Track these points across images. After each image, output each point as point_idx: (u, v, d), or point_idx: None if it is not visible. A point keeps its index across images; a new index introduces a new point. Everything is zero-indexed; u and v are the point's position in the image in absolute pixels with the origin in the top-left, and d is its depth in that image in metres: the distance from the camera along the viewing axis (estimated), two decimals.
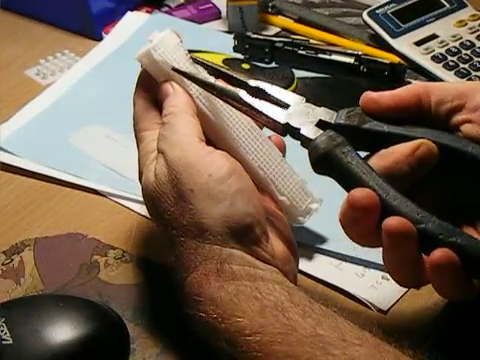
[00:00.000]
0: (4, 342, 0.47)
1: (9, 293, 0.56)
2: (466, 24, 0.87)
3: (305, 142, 0.49)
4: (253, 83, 0.52)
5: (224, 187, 0.47)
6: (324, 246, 0.60)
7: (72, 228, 0.62)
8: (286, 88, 0.76)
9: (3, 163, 0.69)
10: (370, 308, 0.55)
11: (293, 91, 0.76)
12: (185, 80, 0.52)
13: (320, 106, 0.51)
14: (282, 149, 0.56)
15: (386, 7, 0.87)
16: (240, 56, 0.84)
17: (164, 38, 0.53)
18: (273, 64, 0.83)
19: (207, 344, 0.46)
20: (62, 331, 0.48)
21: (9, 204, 0.65)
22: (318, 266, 0.59)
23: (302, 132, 0.49)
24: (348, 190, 0.47)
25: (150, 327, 0.54)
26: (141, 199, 0.62)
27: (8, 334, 0.47)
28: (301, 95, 0.76)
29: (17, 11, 0.93)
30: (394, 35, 0.85)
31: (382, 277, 0.58)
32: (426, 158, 0.47)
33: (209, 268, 0.46)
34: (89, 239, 0.61)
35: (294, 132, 0.50)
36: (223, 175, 0.47)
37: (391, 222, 0.44)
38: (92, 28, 0.88)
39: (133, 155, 0.54)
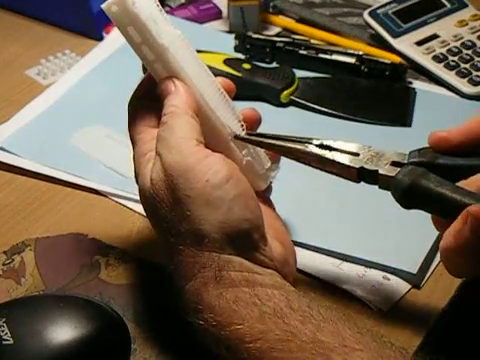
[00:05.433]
0: (5, 342, 0.47)
1: (10, 293, 0.56)
2: (467, 24, 0.87)
3: (385, 181, 0.49)
4: (316, 141, 0.52)
5: (221, 193, 0.46)
6: (324, 246, 0.60)
7: (73, 228, 0.62)
8: (287, 88, 0.77)
9: (4, 163, 0.69)
10: (371, 308, 0.55)
11: (294, 91, 0.77)
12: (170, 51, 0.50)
13: (389, 151, 0.51)
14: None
15: (387, 7, 0.88)
16: (241, 56, 0.84)
17: None
18: (274, 64, 0.84)
19: (207, 351, 0.46)
20: (63, 331, 0.48)
21: (10, 204, 0.66)
22: (318, 266, 0.59)
23: (381, 172, 0.49)
24: (445, 216, 0.47)
25: (151, 327, 0.54)
26: None
27: (9, 334, 0.47)
28: (302, 95, 0.77)
29: (18, 11, 0.93)
30: (395, 35, 0.85)
31: (383, 277, 0.58)
32: None
33: (207, 276, 0.46)
34: (90, 239, 0.61)
35: (371, 175, 0.50)
36: (220, 180, 0.47)
37: None
38: (93, 28, 0.88)
39: None
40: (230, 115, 0.53)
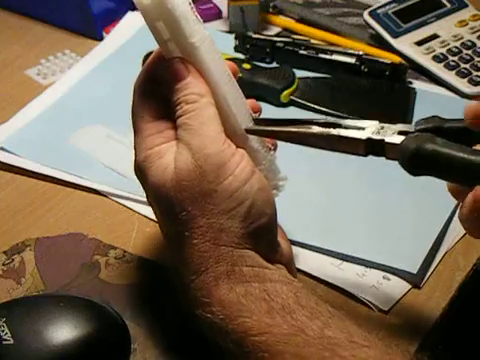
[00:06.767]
0: (5, 342, 0.47)
1: (10, 293, 0.56)
2: (467, 24, 0.87)
3: (392, 150, 0.48)
4: (321, 120, 0.51)
5: (247, 188, 0.46)
6: (325, 246, 0.60)
7: (73, 228, 0.62)
8: (287, 88, 0.77)
9: (4, 163, 0.69)
10: (371, 308, 0.55)
11: (294, 91, 0.77)
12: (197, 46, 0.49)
13: (395, 124, 0.50)
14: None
15: (387, 7, 0.88)
16: (241, 56, 0.84)
17: None
18: (274, 64, 0.84)
19: (213, 344, 0.46)
20: (63, 331, 0.48)
21: (10, 204, 0.65)
22: (319, 266, 0.59)
23: (387, 140, 0.48)
24: (454, 178, 0.46)
25: (150, 327, 0.54)
26: (142, 199, 0.62)
27: (9, 334, 0.47)
28: (302, 95, 0.77)
29: (18, 11, 0.93)
30: (395, 35, 0.85)
31: (383, 277, 0.57)
32: None
33: (220, 270, 0.46)
34: (90, 239, 0.61)
35: (377, 145, 0.48)
36: (247, 175, 0.47)
37: None
38: (93, 28, 0.88)
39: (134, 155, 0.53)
40: (249, 121, 0.52)
